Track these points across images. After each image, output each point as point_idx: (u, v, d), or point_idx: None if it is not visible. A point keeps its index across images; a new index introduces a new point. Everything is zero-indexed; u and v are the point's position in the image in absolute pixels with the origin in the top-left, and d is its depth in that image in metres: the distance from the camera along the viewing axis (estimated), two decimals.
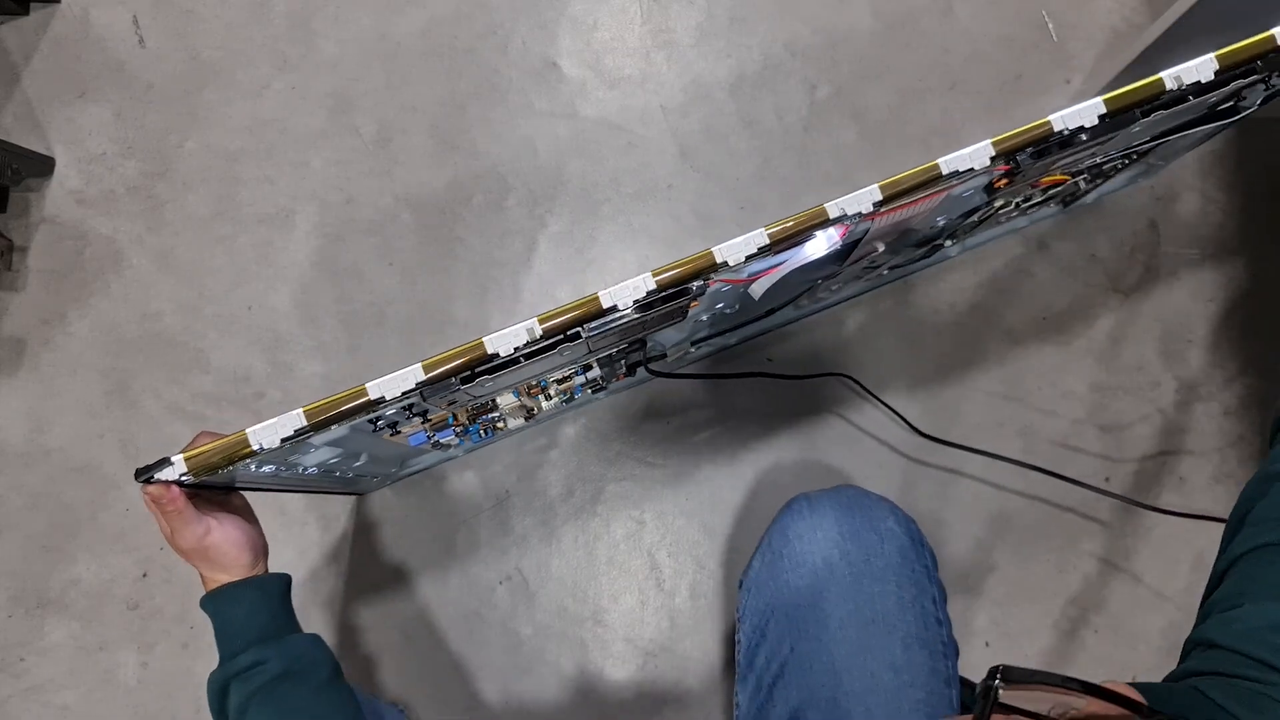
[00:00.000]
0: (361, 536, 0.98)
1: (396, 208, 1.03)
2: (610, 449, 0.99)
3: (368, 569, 0.97)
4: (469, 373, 0.58)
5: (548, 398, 0.88)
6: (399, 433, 0.73)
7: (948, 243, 0.90)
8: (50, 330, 1.01)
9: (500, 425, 0.90)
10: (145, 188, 1.03)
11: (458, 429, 0.84)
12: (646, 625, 0.96)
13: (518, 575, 0.97)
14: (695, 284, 0.58)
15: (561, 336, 0.57)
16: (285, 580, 0.66)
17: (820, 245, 0.61)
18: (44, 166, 1.03)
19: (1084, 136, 0.58)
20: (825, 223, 0.58)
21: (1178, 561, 0.96)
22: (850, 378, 0.97)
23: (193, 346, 1.01)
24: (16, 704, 0.95)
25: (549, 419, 0.99)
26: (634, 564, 0.97)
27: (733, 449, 0.99)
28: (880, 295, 1.01)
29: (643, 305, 0.58)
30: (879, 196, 0.57)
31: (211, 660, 0.61)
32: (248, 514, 0.67)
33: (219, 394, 1.00)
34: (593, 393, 0.92)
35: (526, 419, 0.92)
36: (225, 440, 0.57)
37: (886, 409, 0.97)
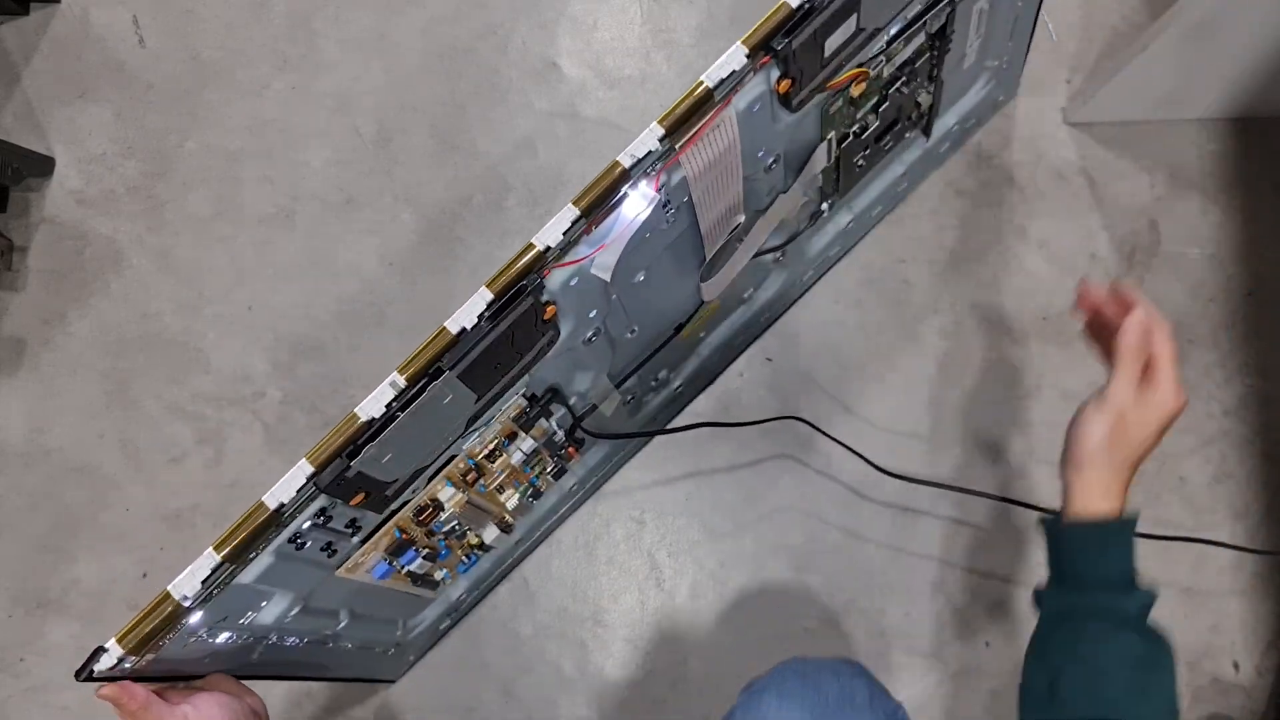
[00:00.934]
0: None
1: (396, 208, 1.03)
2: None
3: None
4: (353, 448, 0.55)
5: (500, 490, 0.81)
6: (334, 552, 0.66)
7: (825, 205, 0.88)
8: (50, 330, 1.01)
9: (476, 541, 0.84)
10: (145, 188, 1.03)
11: (422, 550, 0.77)
12: (646, 625, 0.96)
13: (518, 575, 0.97)
14: (529, 279, 0.56)
15: (427, 378, 0.55)
16: None
17: (639, 204, 0.60)
18: (44, 166, 1.03)
19: None
20: (625, 175, 0.56)
21: (1177, 562, 0.96)
22: (803, 420, 0.91)
23: (193, 346, 1.01)
24: (16, 704, 0.95)
25: (537, 531, 0.93)
26: (634, 564, 0.97)
27: (733, 450, 0.98)
28: (858, 298, 1.01)
29: (492, 317, 0.56)
30: (661, 131, 0.57)
31: None
32: (228, 683, 0.62)
33: (219, 394, 1.00)
34: (555, 478, 0.87)
35: (502, 529, 0.86)
36: (149, 605, 0.53)
37: (845, 448, 0.90)
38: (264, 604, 0.64)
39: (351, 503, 0.61)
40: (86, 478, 0.98)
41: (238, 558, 0.55)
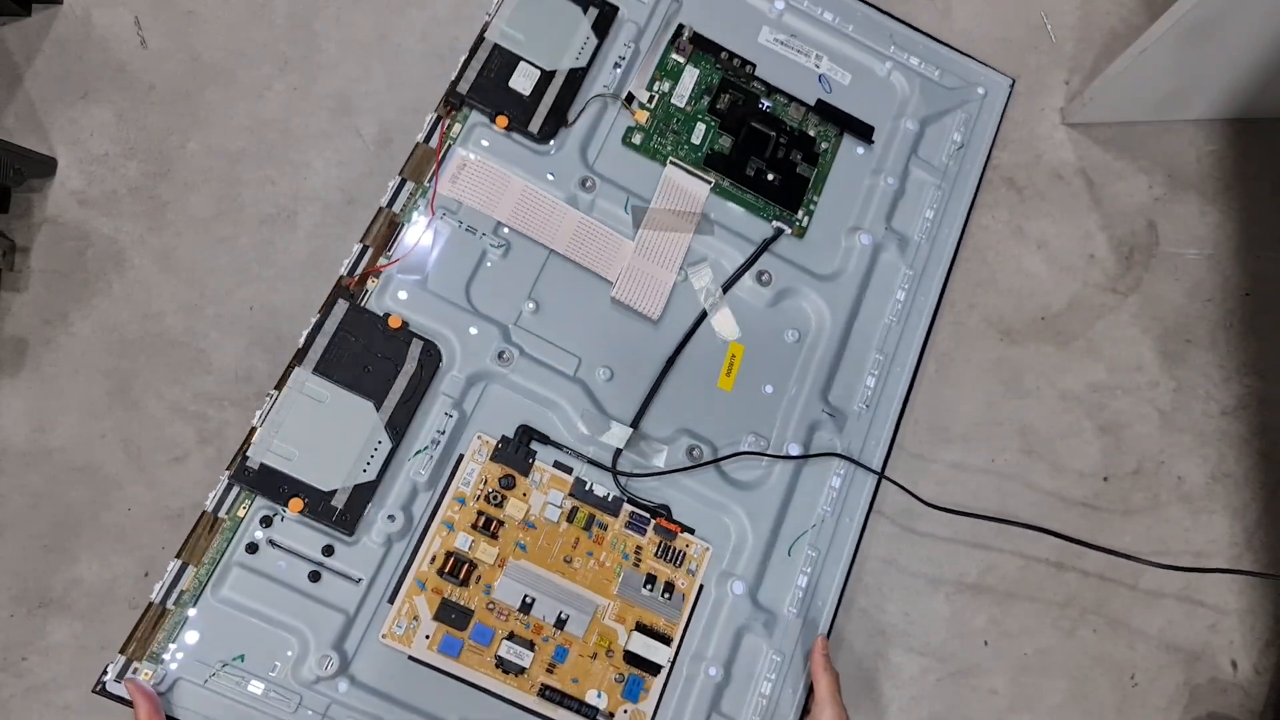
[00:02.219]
0: None
1: None
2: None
3: None
4: (246, 442, 0.72)
5: (570, 561, 0.77)
6: (318, 578, 0.73)
7: (774, 221, 0.89)
8: (52, 330, 1.01)
9: (605, 644, 0.77)
10: (147, 188, 1.04)
11: (502, 631, 0.73)
12: None
13: None
14: (338, 292, 0.74)
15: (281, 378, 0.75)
16: None
17: (420, 229, 0.81)
18: (46, 167, 1.03)
19: None
20: (389, 213, 0.81)
21: (1177, 560, 0.96)
22: (845, 456, 0.89)
23: (195, 347, 1.01)
24: (18, 703, 0.95)
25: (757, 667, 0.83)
26: None
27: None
28: None
29: (319, 324, 0.76)
30: (399, 179, 0.83)
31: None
32: None
33: (221, 394, 1.00)
34: (673, 561, 0.81)
35: (653, 636, 0.78)
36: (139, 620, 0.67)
37: (890, 481, 0.89)
38: (289, 651, 0.70)
39: (291, 507, 0.71)
40: (88, 477, 0.98)
41: (193, 557, 0.69)
